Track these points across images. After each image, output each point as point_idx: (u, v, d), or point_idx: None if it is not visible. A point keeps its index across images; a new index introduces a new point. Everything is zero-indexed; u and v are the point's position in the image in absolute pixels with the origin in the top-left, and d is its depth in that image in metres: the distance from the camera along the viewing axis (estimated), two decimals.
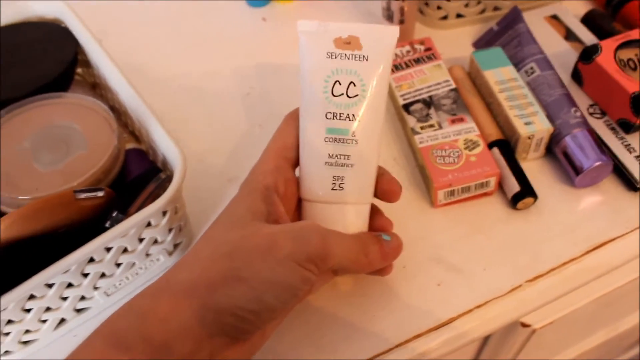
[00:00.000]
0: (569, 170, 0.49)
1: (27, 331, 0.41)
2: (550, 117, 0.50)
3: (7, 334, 0.40)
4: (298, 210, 0.41)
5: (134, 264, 0.43)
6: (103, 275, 0.42)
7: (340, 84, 0.38)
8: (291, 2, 0.68)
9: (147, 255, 0.43)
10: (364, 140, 0.38)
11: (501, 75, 0.52)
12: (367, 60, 0.38)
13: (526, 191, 0.47)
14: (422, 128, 0.50)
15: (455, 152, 0.47)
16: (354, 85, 0.38)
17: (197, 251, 0.36)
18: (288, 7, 0.67)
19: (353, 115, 0.38)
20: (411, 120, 0.50)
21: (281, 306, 0.34)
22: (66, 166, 0.43)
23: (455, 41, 0.61)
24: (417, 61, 0.54)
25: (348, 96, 0.38)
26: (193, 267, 0.34)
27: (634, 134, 0.50)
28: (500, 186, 0.49)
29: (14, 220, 0.37)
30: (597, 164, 0.47)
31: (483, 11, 0.62)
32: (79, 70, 0.55)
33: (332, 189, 0.39)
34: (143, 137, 0.48)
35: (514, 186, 0.47)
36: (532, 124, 0.48)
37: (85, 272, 0.40)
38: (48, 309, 0.40)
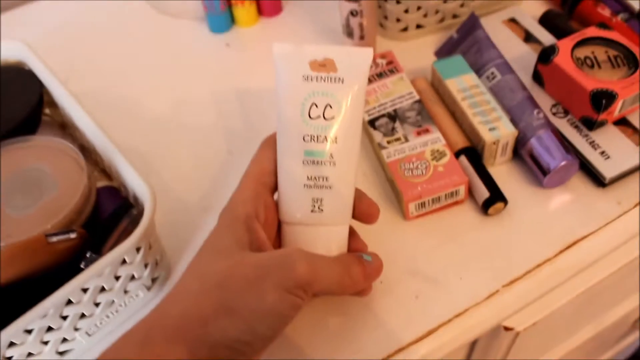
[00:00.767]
0: (537, 171, 0.49)
1: None
2: (514, 121, 0.50)
3: None
4: (279, 235, 0.41)
5: (113, 301, 0.43)
6: (83, 315, 0.41)
7: (316, 106, 0.38)
8: (253, 25, 0.68)
9: (126, 292, 0.43)
10: (342, 161, 0.39)
11: (463, 83, 0.53)
12: (342, 82, 0.38)
13: (496, 197, 0.47)
14: (388, 142, 0.50)
15: (423, 164, 0.48)
16: (331, 107, 0.38)
17: (185, 284, 0.36)
18: (250, 31, 0.68)
19: (330, 137, 0.38)
20: (377, 136, 0.51)
21: (273, 334, 0.34)
22: (38, 209, 0.43)
23: (418, 52, 0.62)
24: (380, 75, 0.55)
25: (325, 118, 0.38)
26: (184, 301, 0.35)
27: (597, 130, 0.51)
28: (471, 193, 0.49)
29: None
30: (563, 163, 0.47)
31: (442, 20, 0.63)
32: (47, 110, 0.55)
33: (312, 211, 0.39)
34: (113, 174, 0.48)
35: (483, 193, 0.48)
36: (496, 129, 0.49)
37: (64, 314, 0.40)
38: (30, 354, 0.40)
